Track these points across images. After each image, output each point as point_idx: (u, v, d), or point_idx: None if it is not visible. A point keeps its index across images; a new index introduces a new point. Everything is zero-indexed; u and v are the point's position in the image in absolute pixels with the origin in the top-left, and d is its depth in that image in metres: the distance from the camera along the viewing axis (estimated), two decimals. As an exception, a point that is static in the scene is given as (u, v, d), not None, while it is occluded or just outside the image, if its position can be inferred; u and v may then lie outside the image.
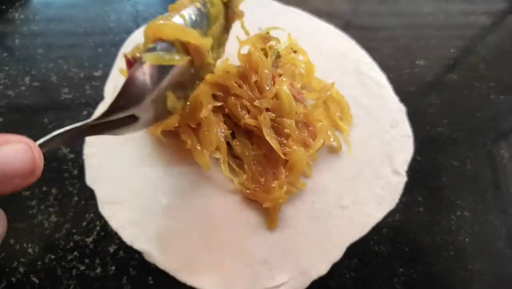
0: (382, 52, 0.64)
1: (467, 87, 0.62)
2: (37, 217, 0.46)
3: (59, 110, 0.54)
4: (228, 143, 0.48)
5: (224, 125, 0.48)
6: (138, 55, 0.34)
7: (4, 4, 0.65)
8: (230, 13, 0.43)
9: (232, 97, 0.48)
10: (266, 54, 0.51)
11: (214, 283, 0.42)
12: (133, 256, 0.44)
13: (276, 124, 0.47)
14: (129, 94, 0.32)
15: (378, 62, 0.60)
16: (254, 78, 0.48)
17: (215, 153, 0.47)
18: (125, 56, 0.35)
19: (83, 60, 0.59)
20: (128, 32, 0.62)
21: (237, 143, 0.48)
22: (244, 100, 0.48)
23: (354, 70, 0.59)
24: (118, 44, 0.59)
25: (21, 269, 0.43)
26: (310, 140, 0.49)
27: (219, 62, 0.47)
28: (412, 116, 0.56)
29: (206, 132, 0.46)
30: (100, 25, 0.63)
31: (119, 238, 0.44)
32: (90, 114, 0.53)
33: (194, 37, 0.35)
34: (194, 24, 0.37)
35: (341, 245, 0.46)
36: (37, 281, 0.42)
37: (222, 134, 0.47)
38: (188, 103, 0.43)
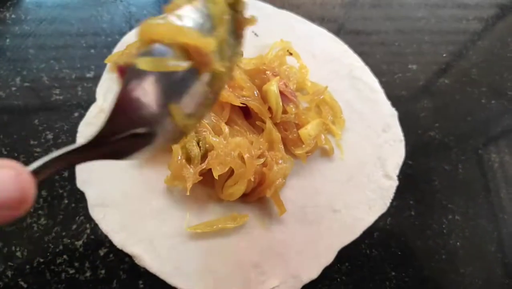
0: (374, 57, 0.64)
1: (459, 91, 0.63)
2: (26, 219, 0.45)
3: (50, 111, 0.53)
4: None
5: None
6: (130, 62, 0.29)
7: (-5, 4, 0.64)
8: (239, 18, 0.37)
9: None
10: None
11: (204, 287, 0.42)
12: (123, 260, 0.44)
13: None
14: (124, 108, 0.28)
15: (371, 66, 0.60)
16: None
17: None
18: (116, 64, 0.31)
19: (75, 61, 0.58)
20: (121, 33, 0.61)
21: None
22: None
23: (347, 75, 0.59)
24: (110, 46, 0.59)
25: (9, 273, 0.42)
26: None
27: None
28: (404, 121, 0.56)
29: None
30: (92, 26, 0.63)
31: (109, 241, 0.44)
32: (81, 116, 0.52)
33: (192, 37, 0.30)
34: (195, 26, 0.32)
35: (333, 249, 0.46)
36: (25, 286, 0.42)
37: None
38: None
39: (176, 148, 0.45)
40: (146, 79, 0.28)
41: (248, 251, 0.45)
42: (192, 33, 0.30)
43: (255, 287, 0.43)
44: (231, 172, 0.45)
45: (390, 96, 0.58)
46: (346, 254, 0.46)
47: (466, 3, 0.76)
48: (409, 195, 0.52)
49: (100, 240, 0.45)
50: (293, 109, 0.50)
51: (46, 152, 0.50)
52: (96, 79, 0.55)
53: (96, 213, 0.45)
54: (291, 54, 0.56)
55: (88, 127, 0.50)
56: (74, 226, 0.46)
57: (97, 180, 0.47)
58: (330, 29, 0.64)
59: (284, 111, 0.49)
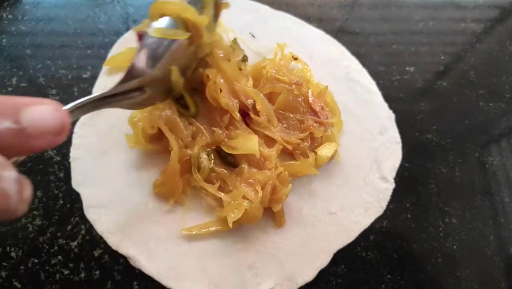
0: (372, 59, 0.64)
1: (457, 94, 0.63)
2: (21, 220, 0.45)
3: (46, 112, 0.53)
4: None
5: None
6: (145, 30, 0.40)
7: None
8: (217, 2, 0.46)
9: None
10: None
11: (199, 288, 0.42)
12: (118, 261, 0.44)
13: None
14: (140, 63, 0.38)
15: (368, 68, 0.60)
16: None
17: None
18: (136, 30, 0.41)
19: (72, 62, 0.58)
20: (118, 34, 0.61)
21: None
22: None
23: (344, 77, 0.59)
24: (107, 46, 0.59)
25: (3, 274, 0.42)
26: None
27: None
28: (401, 123, 0.56)
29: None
30: (89, 27, 0.62)
31: (104, 242, 0.44)
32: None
33: (192, 14, 0.40)
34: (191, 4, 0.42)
35: (329, 251, 0.46)
36: (19, 286, 0.42)
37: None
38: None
39: (174, 155, 0.45)
40: (156, 45, 0.39)
41: (243, 253, 0.44)
42: (193, 11, 0.41)
43: (250, 289, 0.42)
44: None
45: (388, 98, 0.58)
46: (342, 257, 0.46)
47: (464, 5, 0.75)
48: (405, 198, 0.51)
49: (95, 241, 0.45)
50: (322, 131, 0.50)
51: (43, 152, 0.50)
52: (93, 79, 0.55)
53: (91, 214, 0.45)
54: (295, 59, 0.56)
55: (84, 128, 0.50)
56: (69, 227, 0.45)
57: (93, 181, 0.47)
58: (328, 31, 0.64)
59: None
